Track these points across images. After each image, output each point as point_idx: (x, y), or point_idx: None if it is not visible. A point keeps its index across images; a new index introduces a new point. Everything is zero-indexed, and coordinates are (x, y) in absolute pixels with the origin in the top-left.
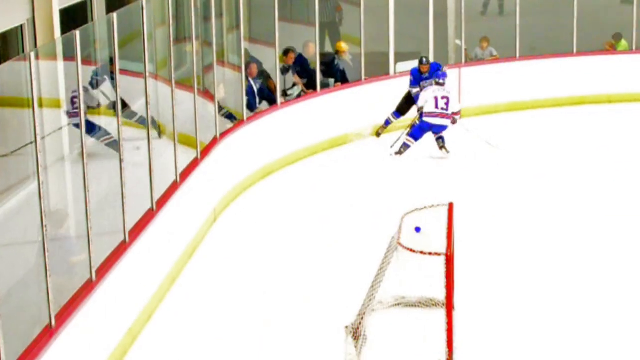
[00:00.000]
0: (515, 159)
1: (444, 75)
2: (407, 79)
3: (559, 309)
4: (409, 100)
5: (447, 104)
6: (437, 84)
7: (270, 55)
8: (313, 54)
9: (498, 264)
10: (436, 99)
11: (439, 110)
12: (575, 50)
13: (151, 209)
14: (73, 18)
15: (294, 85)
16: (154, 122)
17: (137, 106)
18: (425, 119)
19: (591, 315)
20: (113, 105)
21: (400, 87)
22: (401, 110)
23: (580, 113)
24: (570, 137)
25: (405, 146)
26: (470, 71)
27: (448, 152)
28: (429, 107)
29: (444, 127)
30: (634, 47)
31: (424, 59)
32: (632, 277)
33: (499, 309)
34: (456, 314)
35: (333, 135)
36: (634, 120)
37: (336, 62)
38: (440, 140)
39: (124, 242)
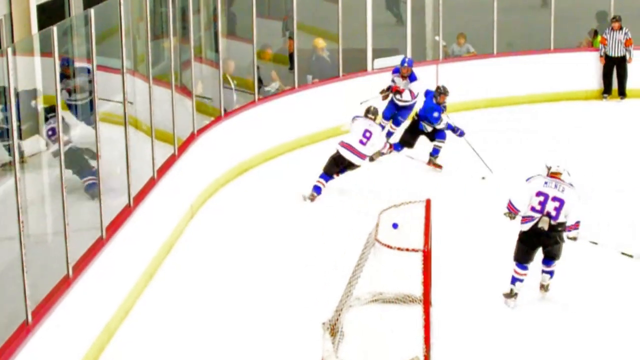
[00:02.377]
0: (494, 156)
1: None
2: (385, 75)
3: (535, 305)
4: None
5: (363, 143)
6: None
7: (248, 52)
8: (292, 50)
9: (475, 260)
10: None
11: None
12: (552, 47)
13: (128, 205)
14: (50, 14)
15: (272, 81)
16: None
17: (115, 102)
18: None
19: (567, 311)
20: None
21: (378, 83)
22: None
23: (557, 109)
24: (548, 133)
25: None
26: (447, 67)
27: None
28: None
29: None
30: None
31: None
32: (605, 271)
33: (476, 305)
34: (433, 310)
35: (311, 131)
36: (611, 116)
37: (313, 57)
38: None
39: (101, 238)
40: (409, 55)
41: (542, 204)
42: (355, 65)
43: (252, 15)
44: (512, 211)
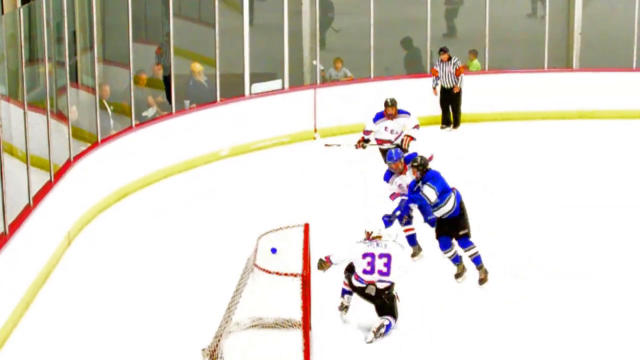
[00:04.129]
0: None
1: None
2: (262, 100)
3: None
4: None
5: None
6: None
7: (124, 77)
8: (160, 74)
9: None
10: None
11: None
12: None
13: (4, 233)
14: None
15: (149, 106)
16: None
17: None
18: None
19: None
20: None
21: (255, 108)
22: None
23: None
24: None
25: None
26: (324, 91)
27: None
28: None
29: None
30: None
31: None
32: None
33: (355, 328)
34: (313, 335)
35: (189, 156)
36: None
37: (191, 82)
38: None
39: None
40: (286, 79)
41: (371, 264)
42: (233, 90)
43: (128, 39)
44: (328, 262)
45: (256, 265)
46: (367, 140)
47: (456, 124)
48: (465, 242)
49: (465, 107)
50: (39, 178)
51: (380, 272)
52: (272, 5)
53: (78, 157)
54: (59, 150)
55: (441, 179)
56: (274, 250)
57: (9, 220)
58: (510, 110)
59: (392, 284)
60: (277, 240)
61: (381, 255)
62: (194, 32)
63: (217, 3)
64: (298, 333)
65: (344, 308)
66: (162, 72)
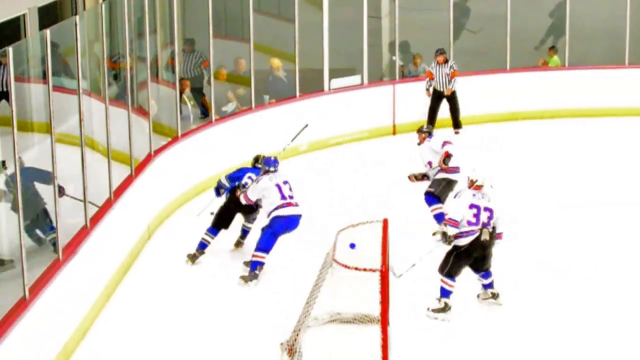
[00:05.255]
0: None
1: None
2: (340, 96)
3: (495, 324)
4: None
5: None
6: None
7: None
8: (244, 69)
9: (433, 280)
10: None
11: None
12: (508, 67)
13: (85, 227)
14: (6, 34)
15: (229, 101)
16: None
17: (71, 122)
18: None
19: (527, 335)
20: None
21: (334, 103)
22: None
23: (516, 128)
24: (510, 152)
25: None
26: (403, 87)
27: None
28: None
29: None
30: (566, 63)
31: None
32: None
33: (433, 325)
34: (391, 330)
35: (269, 151)
36: (566, 135)
37: (270, 78)
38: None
39: (57, 259)
40: (365, 75)
41: (477, 216)
42: (312, 85)
43: (208, 35)
44: (454, 225)
45: (335, 260)
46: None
47: (457, 125)
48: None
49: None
50: (120, 172)
51: (484, 225)
52: (352, 0)
53: (158, 151)
54: (139, 144)
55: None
56: (352, 246)
57: (91, 214)
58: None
59: (494, 228)
60: (355, 235)
61: (485, 209)
62: (273, 28)
63: None
64: (376, 328)
65: (448, 308)
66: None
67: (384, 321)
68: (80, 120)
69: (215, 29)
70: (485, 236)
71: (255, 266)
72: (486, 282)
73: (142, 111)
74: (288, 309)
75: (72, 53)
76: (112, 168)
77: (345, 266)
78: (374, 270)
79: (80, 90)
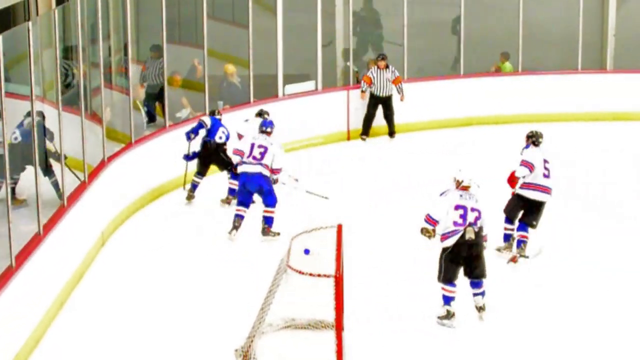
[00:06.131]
0: (400, 182)
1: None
2: (296, 101)
3: (450, 328)
4: None
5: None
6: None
7: None
8: (201, 75)
9: (387, 284)
10: (252, 145)
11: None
12: (462, 72)
13: (38, 234)
14: None
15: (183, 107)
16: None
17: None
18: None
19: (483, 334)
20: None
21: (288, 109)
22: None
23: (470, 133)
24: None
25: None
26: (357, 93)
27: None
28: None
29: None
30: (519, 69)
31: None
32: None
33: (388, 330)
34: (345, 336)
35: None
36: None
37: (224, 84)
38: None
39: (10, 267)
40: (319, 81)
41: (463, 216)
42: (267, 91)
43: (162, 40)
44: (431, 223)
45: (289, 267)
46: None
47: (392, 133)
48: None
49: (498, 110)
50: (73, 179)
51: (471, 225)
52: (306, 6)
53: (112, 157)
54: (92, 150)
55: None
56: (306, 252)
57: (43, 221)
58: (542, 112)
59: (481, 228)
60: (310, 241)
61: (473, 209)
62: (227, 33)
63: (250, 4)
64: (331, 334)
65: (452, 315)
66: (145, 89)
67: (339, 327)
68: (33, 127)
69: (169, 35)
70: (469, 234)
71: (234, 218)
72: (475, 291)
73: (96, 117)
74: (242, 315)
75: (24, 59)
76: (65, 174)
77: (300, 272)
78: (328, 276)
79: (33, 96)
